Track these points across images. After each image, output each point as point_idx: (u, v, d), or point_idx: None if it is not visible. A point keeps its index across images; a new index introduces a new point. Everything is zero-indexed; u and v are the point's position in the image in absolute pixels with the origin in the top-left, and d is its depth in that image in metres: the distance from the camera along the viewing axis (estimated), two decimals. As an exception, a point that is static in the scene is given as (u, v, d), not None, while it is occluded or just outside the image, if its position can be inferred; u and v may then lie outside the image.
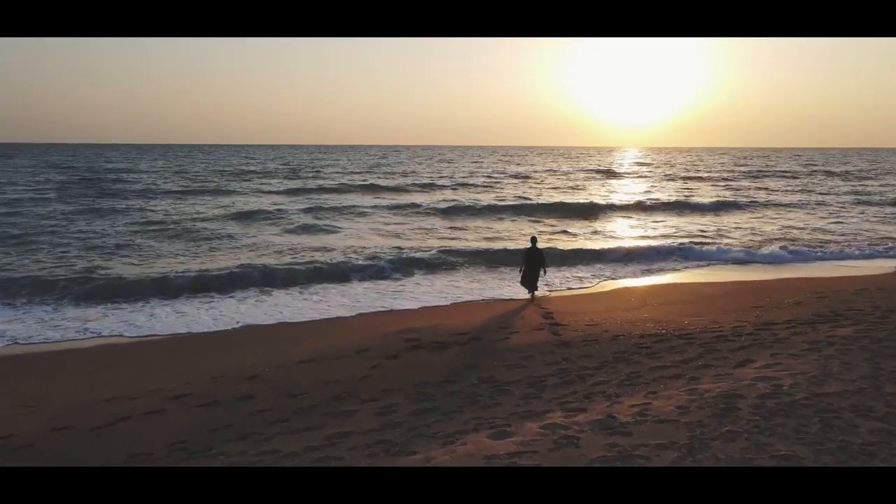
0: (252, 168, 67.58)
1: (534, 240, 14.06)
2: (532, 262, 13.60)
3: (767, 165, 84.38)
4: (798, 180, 56.47)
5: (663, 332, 10.38)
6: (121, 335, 11.21)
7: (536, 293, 13.91)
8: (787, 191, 44.95)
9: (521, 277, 13.68)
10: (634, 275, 16.89)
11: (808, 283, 15.33)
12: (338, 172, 62.21)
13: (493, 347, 9.60)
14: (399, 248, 20.78)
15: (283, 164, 77.36)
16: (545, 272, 13.86)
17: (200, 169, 63.48)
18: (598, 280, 16.15)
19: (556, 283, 15.53)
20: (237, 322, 12.01)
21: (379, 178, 54.99)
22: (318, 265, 17.59)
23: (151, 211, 29.57)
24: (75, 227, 24.06)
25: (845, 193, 42.59)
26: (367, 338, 10.36)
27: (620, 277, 16.52)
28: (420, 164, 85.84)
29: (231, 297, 13.92)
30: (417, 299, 13.89)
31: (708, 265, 18.43)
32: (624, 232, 25.55)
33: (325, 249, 20.46)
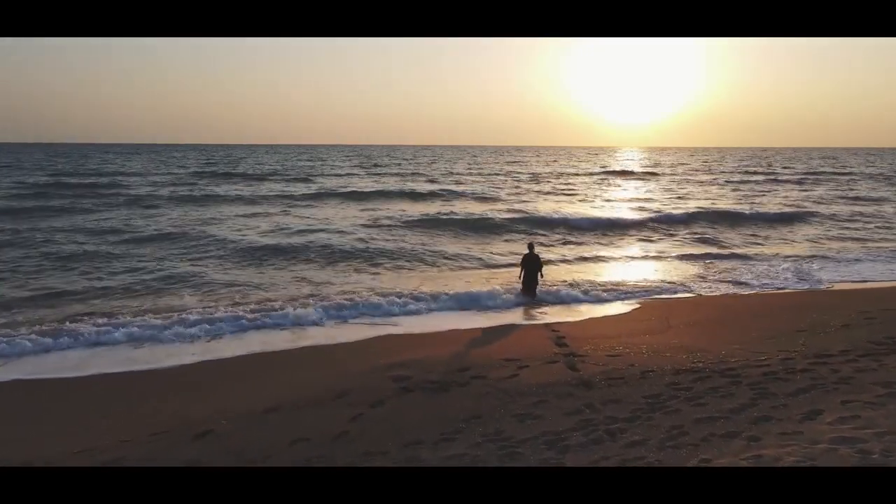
0: (240, 170, 65.21)
1: (531, 246, 14.40)
2: (530, 268, 13.90)
3: (793, 167, 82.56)
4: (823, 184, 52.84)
5: (700, 365, 8.79)
6: (43, 375, 9.34)
7: (536, 297, 13.90)
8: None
9: (521, 283, 14.05)
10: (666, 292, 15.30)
11: (846, 297, 13.78)
12: (332, 175, 60.20)
13: (499, 388, 7.99)
14: (388, 261, 19.14)
15: (276, 165, 75.55)
16: (542, 276, 14.02)
17: (187, 172, 61.19)
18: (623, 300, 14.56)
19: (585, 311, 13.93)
20: (192, 354, 10.24)
21: (377, 182, 53.19)
22: (291, 281, 15.93)
23: (118, 219, 27.64)
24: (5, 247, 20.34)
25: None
26: (348, 375, 8.73)
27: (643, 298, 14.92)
28: (419, 165, 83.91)
29: (182, 324, 11.72)
30: (408, 323, 12.18)
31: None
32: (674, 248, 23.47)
33: (299, 262, 18.51)
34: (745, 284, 15.36)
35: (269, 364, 9.70)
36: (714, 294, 14.54)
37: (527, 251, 14.17)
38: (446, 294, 14.00)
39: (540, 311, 13.12)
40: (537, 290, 13.92)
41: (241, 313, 12.37)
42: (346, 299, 13.55)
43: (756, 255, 20.12)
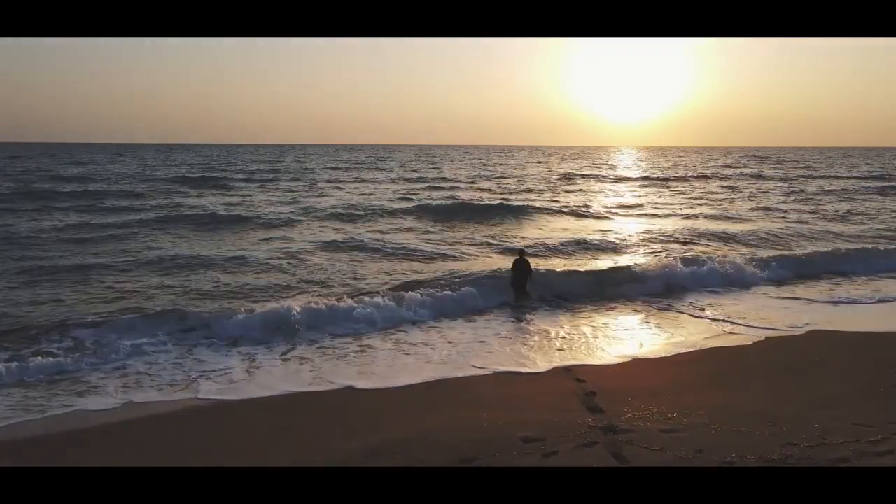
0: (213, 174, 58.00)
1: (521, 252, 14.76)
2: (520, 273, 13.99)
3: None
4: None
5: (793, 449, 6.29)
6: None
7: (520, 301, 13.82)
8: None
9: (512, 288, 14.02)
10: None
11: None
12: (326, 181, 55.13)
13: (518, 497, 5.44)
14: (365, 285, 16.54)
15: (241, 167, 71.84)
16: (532, 282, 14.17)
17: (160, 175, 56.69)
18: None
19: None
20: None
21: (382, 190, 48.53)
22: (203, 308, 12.37)
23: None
24: None
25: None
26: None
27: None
28: (418, 167, 79.58)
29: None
30: (387, 373, 9.26)
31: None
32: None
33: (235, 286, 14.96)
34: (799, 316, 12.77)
35: (158, 439, 7.04)
36: (769, 331, 11.89)
37: (517, 256, 14.39)
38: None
39: (545, 333, 10.68)
40: (524, 296, 13.97)
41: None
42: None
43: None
